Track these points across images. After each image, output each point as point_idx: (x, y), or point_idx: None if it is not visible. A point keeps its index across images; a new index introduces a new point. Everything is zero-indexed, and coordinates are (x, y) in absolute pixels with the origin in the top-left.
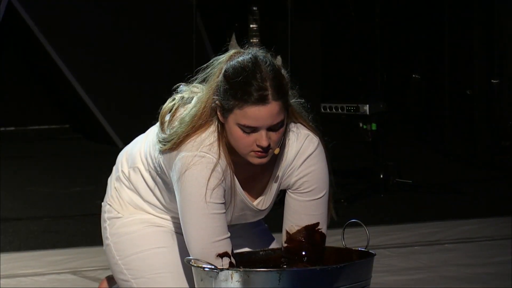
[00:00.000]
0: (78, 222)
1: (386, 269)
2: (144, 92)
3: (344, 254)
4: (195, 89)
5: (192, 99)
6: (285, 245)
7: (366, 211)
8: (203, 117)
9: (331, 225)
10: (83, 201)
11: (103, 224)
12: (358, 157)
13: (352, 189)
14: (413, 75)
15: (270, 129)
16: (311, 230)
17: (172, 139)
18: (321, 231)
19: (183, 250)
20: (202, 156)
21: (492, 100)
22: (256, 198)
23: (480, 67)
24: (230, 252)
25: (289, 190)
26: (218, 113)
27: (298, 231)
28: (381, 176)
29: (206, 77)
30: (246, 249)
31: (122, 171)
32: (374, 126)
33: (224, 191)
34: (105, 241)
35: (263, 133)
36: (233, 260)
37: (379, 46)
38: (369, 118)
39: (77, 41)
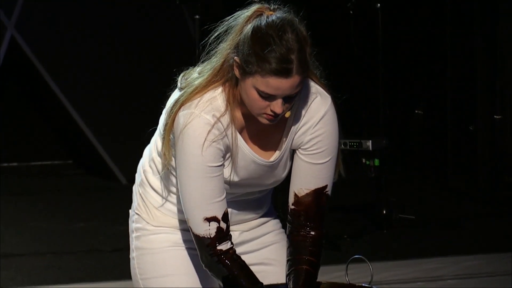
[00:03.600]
0: (81, 258)
1: None
2: (148, 128)
3: None
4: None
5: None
6: (292, 207)
7: (368, 246)
8: (221, 72)
9: (334, 261)
10: (86, 237)
11: (130, 234)
12: (360, 192)
13: (355, 224)
14: (416, 111)
15: (287, 97)
16: (319, 193)
17: (186, 92)
18: (327, 193)
19: (204, 276)
20: (201, 116)
21: (494, 136)
22: (270, 155)
23: (482, 102)
24: (220, 217)
25: (300, 150)
26: (236, 69)
27: (307, 194)
28: (384, 211)
29: (226, 28)
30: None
31: (144, 174)
32: (377, 162)
33: (223, 152)
34: (131, 252)
35: (279, 101)
36: (222, 225)
37: (381, 81)
38: (372, 153)
39: (79, 76)
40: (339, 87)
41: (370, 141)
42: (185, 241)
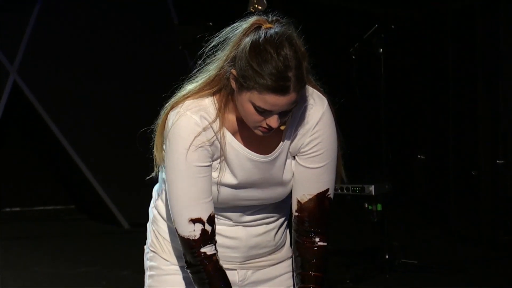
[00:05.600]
0: None
1: None
2: (150, 173)
3: None
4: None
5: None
6: (296, 214)
7: None
8: (215, 82)
9: None
10: (89, 282)
11: (145, 271)
12: (363, 237)
13: (357, 269)
14: (418, 156)
15: (283, 112)
16: (321, 197)
17: (177, 95)
18: (330, 197)
19: None
20: (186, 114)
21: (497, 181)
22: (267, 153)
23: (485, 147)
24: (205, 219)
25: (300, 156)
26: (232, 81)
27: (310, 199)
28: (387, 256)
29: (224, 39)
30: None
31: (156, 209)
32: (379, 207)
33: (211, 154)
34: None
35: (275, 116)
36: (207, 228)
37: (384, 126)
38: (375, 198)
39: (82, 121)
40: (341, 131)
41: (373, 186)
42: None
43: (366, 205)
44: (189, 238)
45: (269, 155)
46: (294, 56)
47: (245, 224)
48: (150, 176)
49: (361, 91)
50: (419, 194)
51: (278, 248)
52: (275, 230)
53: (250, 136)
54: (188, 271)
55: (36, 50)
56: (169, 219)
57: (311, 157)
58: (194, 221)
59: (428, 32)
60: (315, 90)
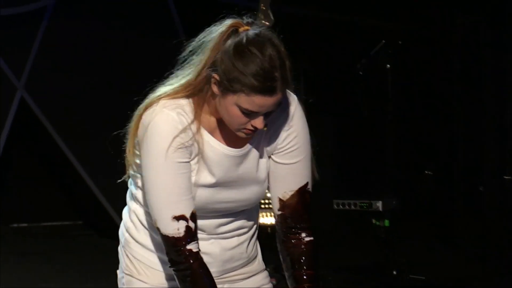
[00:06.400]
0: None
1: None
2: None
3: None
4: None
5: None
6: (278, 213)
7: None
8: (192, 86)
9: None
10: None
11: None
12: (370, 253)
13: (365, 285)
14: (426, 171)
15: (268, 113)
16: (302, 191)
17: (150, 97)
18: (309, 190)
19: None
20: (163, 111)
21: (504, 196)
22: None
23: (492, 163)
24: (188, 216)
25: (276, 154)
26: (214, 86)
27: (292, 195)
28: (394, 272)
29: (200, 44)
30: None
31: (128, 232)
32: (387, 223)
33: (190, 150)
34: None
35: (261, 117)
36: (191, 224)
37: (391, 142)
38: (382, 214)
39: (89, 137)
40: (349, 147)
41: (380, 202)
42: None
43: (374, 221)
44: (173, 236)
45: (242, 148)
46: (277, 56)
47: (218, 237)
48: (122, 179)
49: (368, 107)
50: (426, 209)
51: (250, 260)
52: (247, 242)
53: (227, 134)
54: (172, 269)
55: (43, 66)
56: (143, 239)
57: (288, 152)
58: (178, 218)
59: (435, 47)
60: None
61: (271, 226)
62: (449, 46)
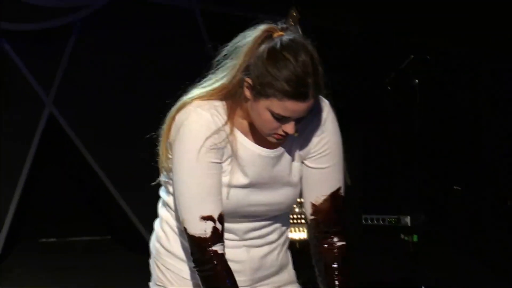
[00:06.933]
0: None
1: None
2: None
3: None
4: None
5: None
6: (311, 217)
7: None
8: (225, 90)
9: None
10: None
11: None
12: (399, 268)
13: None
14: (454, 187)
15: (299, 118)
16: (335, 196)
17: (183, 99)
18: (342, 195)
19: None
20: (196, 110)
21: None
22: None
23: None
24: (216, 217)
25: (309, 159)
26: (247, 90)
27: (325, 200)
28: (423, 287)
29: (234, 48)
30: None
31: (159, 243)
32: (415, 238)
33: (223, 151)
34: None
35: (293, 123)
36: (218, 226)
37: (419, 157)
38: (411, 229)
39: (118, 153)
40: (377, 162)
41: (409, 217)
42: None
43: (402, 236)
44: (200, 236)
45: (276, 149)
46: (311, 62)
47: (250, 243)
48: (157, 181)
49: (397, 122)
50: (455, 225)
51: (282, 268)
52: (278, 249)
53: (259, 138)
54: (196, 269)
55: (71, 82)
56: (174, 249)
57: (320, 156)
58: (206, 218)
59: (465, 62)
60: None
61: (299, 241)
62: (477, 61)
